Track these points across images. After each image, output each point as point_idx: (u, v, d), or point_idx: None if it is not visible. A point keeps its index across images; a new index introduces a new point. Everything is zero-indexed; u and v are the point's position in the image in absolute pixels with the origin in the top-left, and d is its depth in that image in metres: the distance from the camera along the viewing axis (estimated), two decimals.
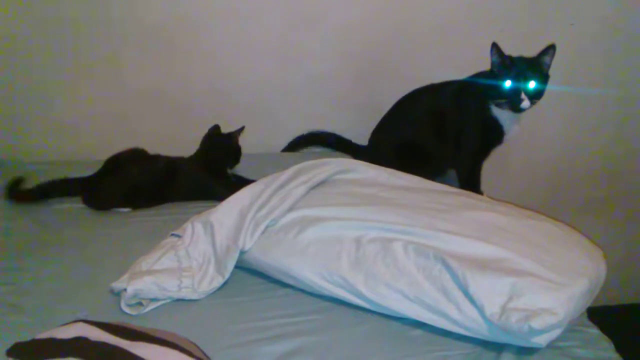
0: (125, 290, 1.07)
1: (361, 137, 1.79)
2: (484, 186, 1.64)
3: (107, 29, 1.70)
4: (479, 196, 1.37)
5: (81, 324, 0.91)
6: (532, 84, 1.34)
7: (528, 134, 1.85)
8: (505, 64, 1.37)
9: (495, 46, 1.37)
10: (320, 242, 1.13)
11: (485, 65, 1.45)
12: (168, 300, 1.11)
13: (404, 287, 1.03)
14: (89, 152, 1.73)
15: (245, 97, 1.83)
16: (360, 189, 1.28)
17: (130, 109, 1.80)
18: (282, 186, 1.26)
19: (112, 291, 1.10)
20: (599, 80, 1.96)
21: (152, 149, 1.60)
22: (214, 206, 1.26)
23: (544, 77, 1.37)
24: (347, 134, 1.85)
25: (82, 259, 1.25)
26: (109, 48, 1.72)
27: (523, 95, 1.35)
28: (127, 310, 1.07)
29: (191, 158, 1.59)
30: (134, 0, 1.67)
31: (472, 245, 1.05)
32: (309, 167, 1.33)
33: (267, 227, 1.18)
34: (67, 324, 0.92)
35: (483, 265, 1.00)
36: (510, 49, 1.41)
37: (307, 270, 1.11)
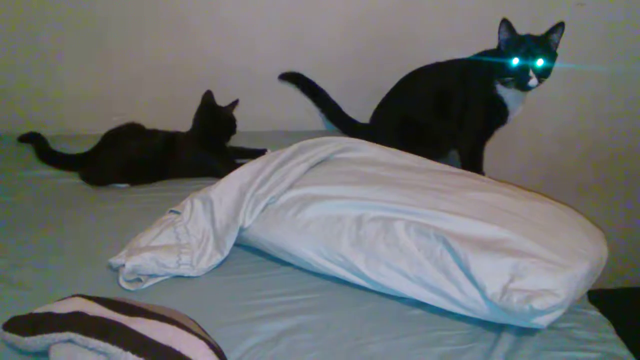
0: (123, 266, 1.06)
1: (364, 117, 1.78)
2: (485, 167, 1.64)
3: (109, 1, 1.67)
4: (481, 177, 1.36)
5: (79, 299, 0.91)
6: (540, 62, 1.33)
7: (529, 115, 1.84)
8: (513, 41, 1.34)
9: (505, 22, 1.34)
10: (320, 220, 1.11)
11: (492, 45, 1.43)
12: (166, 277, 1.11)
13: (404, 267, 1.02)
14: (86, 127, 1.71)
15: (252, 73, 1.81)
16: (361, 167, 1.26)
17: (136, 83, 1.78)
18: (282, 164, 1.24)
19: (110, 267, 1.10)
20: (605, 61, 1.94)
21: (155, 125, 1.58)
22: (213, 183, 1.25)
23: (552, 55, 1.36)
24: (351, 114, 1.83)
25: (80, 235, 1.25)
26: (111, 22, 1.70)
27: (531, 73, 1.33)
28: (125, 286, 1.06)
29: (189, 133, 1.57)
30: None
31: (474, 226, 1.04)
32: (310, 145, 1.31)
33: (267, 204, 1.17)
34: (64, 298, 0.92)
35: (485, 245, 0.99)
36: (518, 28, 1.38)
37: (307, 248, 1.10)
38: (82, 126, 1.73)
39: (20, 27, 1.68)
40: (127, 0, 1.67)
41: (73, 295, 0.92)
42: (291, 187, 1.20)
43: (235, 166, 1.28)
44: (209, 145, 1.53)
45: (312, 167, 1.26)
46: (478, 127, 1.54)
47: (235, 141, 1.62)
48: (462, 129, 1.55)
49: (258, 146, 1.59)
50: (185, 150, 1.52)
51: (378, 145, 1.36)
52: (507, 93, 1.44)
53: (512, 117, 1.50)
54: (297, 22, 1.78)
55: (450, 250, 1.00)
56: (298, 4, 1.76)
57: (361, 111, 1.79)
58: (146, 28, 1.73)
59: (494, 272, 0.95)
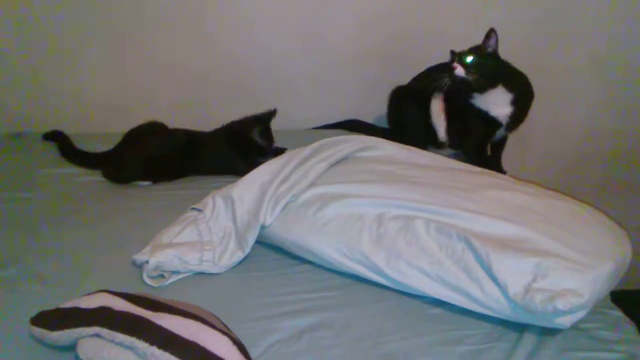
0: (147, 262, 1.08)
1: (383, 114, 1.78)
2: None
3: (133, 3, 1.69)
4: (501, 175, 1.35)
5: (104, 294, 0.92)
6: (469, 58, 1.51)
7: (551, 115, 1.83)
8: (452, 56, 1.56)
9: (451, 52, 1.56)
10: (341, 218, 1.12)
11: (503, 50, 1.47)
12: (189, 274, 1.12)
13: (425, 266, 1.02)
14: (109, 125, 1.74)
15: (270, 74, 1.82)
16: (381, 166, 1.27)
17: (155, 83, 1.80)
18: (303, 162, 1.25)
19: (134, 263, 1.11)
20: (628, 57, 1.91)
21: (175, 124, 1.60)
22: (234, 181, 1.26)
23: (482, 54, 1.51)
24: (371, 115, 1.83)
25: (104, 231, 1.27)
26: (133, 22, 1.73)
27: (457, 65, 1.51)
28: (148, 282, 1.08)
29: (213, 132, 1.58)
30: None
31: (496, 225, 1.04)
32: (330, 143, 1.31)
33: (287, 203, 1.18)
34: (90, 294, 0.93)
35: (506, 244, 0.99)
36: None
37: (327, 246, 1.10)
38: (105, 124, 1.76)
39: (45, 27, 1.72)
40: (147, 2, 1.70)
41: (98, 291, 0.94)
42: (311, 185, 1.20)
43: (256, 165, 1.28)
44: (235, 145, 1.54)
45: (332, 165, 1.26)
46: (472, 135, 1.62)
47: None
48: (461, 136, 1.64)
49: (278, 145, 1.60)
50: (207, 149, 1.53)
51: (397, 144, 1.36)
52: (479, 100, 1.54)
53: (502, 119, 1.56)
54: (314, 20, 1.79)
55: (472, 249, 1.00)
56: (315, 1, 1.76)
57: (380, 109, 1.79)
58: (166, 29, 1.76)
59: (516, 272, 0.94)
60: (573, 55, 1.90)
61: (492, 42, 1.51)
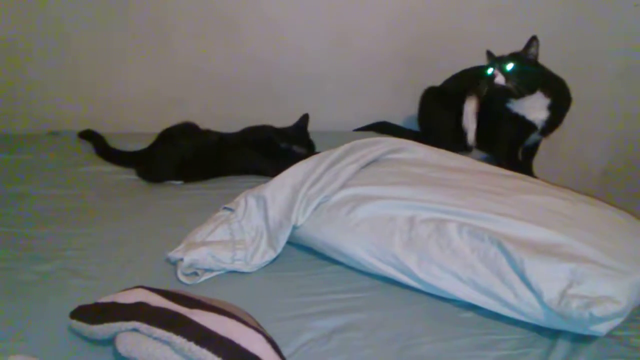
0: (181, 259, 1.10)
1: (412, 115, 1.78)
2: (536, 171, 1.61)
3: (160, 6, 1.73)
4: (534, 179, 1.34)
5: (141, 290, 0.94)
6: (509, 66, 1.50)
7: (583, 120, 1.80)
8: (492, 60, 1.55)
9: (487, 53, 1.56)
10: (372, 220, 1.12)
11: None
12: (221, 272, 1.14)
13: (457, 269, 1.02)
14: (141, 125, 1.78)
15: (298, 76, 1.83)
16: (412, 168, 1.27)
17: (182, 85, 1.84)
18: (333, 163, 1.26)
19: (168, 260, 1.14)
20: None
21: (203, 125, 1.62)
22: (266, 181, 1.27)
23: (524, 62, 1.50)
24: (399, 117, 1.83)
25: (139, 228, 1.29)
26: (161, 25, 1.76)
27: (497, 72, 1.50)
28: (183, 279, 1.10)
29: (243, 134, 1.60)
30: None
31: (529, 229, 1.03)
32: (360, 145, 1.32)
33: (319, 203, 1.19)
34: (127, 289, 0.96)
35: (540, 249, 0.98)
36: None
37: (358, 247, 1.11)
38: (138, 126, 1.79)
39: (81, 29, 1.76)
40: (179, 6, 1.72)
41: (135, 287, 0.96)
42: (343, 186, 1.21)
43: (286, 167, 1.29)
44: (266, 150, 1.56)
45: (363, 167, 1.27)
46: (504, 139, 1.62)
47: None
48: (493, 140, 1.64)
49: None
50: (240, 150, 1.55)
51: (428, 147, 1.36)
52: (516, 104, 1.54)
53: (537, 123, 1.55)
54: (342, 22, 1.79)
55: (505, 253, 0.99)
56: (341, 4, 1.77)
57: (407, 111, 1.79)
58: (196, 32, 1.78)
59: (551, 277, 0.93)
60: (606, 59, 1.87)
61: (533, 50, 1.50)
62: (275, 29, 1.80)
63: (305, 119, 1.59)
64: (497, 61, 1.51)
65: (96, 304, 0.94)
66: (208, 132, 1.60)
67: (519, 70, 1.49)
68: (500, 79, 1.49)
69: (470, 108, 1.63)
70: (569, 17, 1.80)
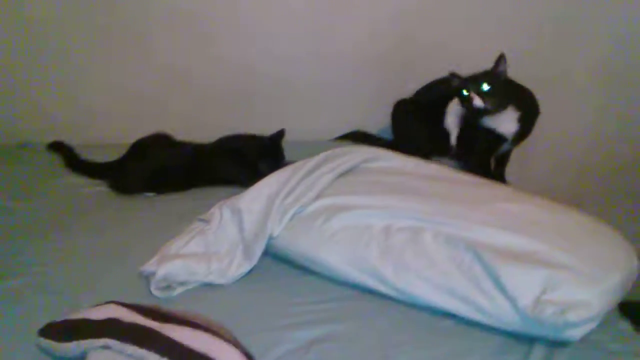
0: (154, 273, 1.07)
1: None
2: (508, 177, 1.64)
3: (135, 11, 1.70)
4: (507, 188, 1.36)
5: (113, 305, 0.92)
6: (485, 86, 1.49)
7: (555, 125, 1.83)
8: (463, 81, 1.53)
9: (452, 76, 1.55)
10: (348, 230, 1.12)
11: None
12: (196, 285, 1.12)
13: (434, 277, 1.02)
14: (114, 135, 1.74)
15: (274, 84, 1.82)
16: (387, 177, 1.27)
17: (157, 92, 1.81)
18: (309, 173, 1.25)
19: (141, 274, 1.11)
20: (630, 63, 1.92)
21: (179, 133, 1.60)
22: (240, 192, 1.26)
23: (499, 81, 1.50)
24: (375, 126, 1.84)
25: (110, 242, 1.26)
26: (137, 31, 1.73)
27: (473, 95, 1.49)
28: (156, 293, 1.07)
29: (217, 144, 1.58)
30: None
31: (504, 237, 1.04)
32: (336, 154, 1.32)
33: (295, 214, 1.18)
34: (98, 305, 0.93)
35: (515, 256, 0.99)
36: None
37: (335, 257, 1.10)
38: (110, 135, 1.76)
39: (50, 38, 1.72)
40: (152, 12, 1.70)
41: (107, 302, 0.93)
42: (318, 196, 1.20)
43: (261, 177, 1.28)
44: (240, 160, 1.54)
45: (338, 176, 1.27)
46: (477, 150, 1.64)
47: None
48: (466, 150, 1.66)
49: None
50: (214, 161, 1.53)
51: (403, 156, 1.37)
52: (487, 119, 1.55)
53: (508, 135, 1.57)
54: (317, 32, 1.79)
55: (480, 260, 1.00)
56: (317, 13, 1.77)
57: (384, 121, 1.80)
58: (170, 38, 1.76)
59: (525, 284, 0.94)
60: (575, 63, 1.92)
61: (502, 67, 1.51)
62: (252, 37, 1.79)
63: (280, 133, 1.58)
64: (470, 82, 1.51)
65: (65, 321, 0.91)
66: (181, 143, 1.58)
67: (494, 90, 1.50)
68: (478, 102, 1.49)
69: (452, 111, 1.64)
70: (543, 24, 1.85)
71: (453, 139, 1.66)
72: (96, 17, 1.70)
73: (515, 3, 1.81)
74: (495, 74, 1.50)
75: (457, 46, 1.80)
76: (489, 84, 1.49)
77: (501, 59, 1.50)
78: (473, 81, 1.50)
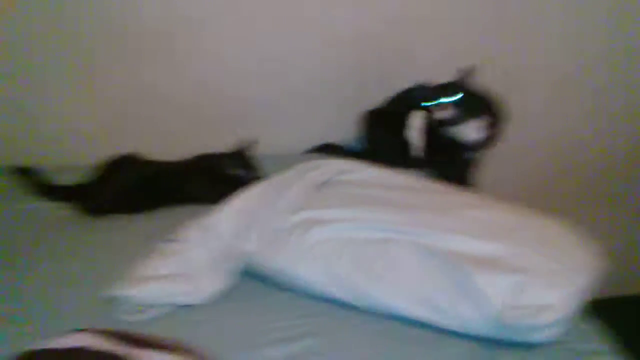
0: (124, 296, 1.05)
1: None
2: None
3: (108, 30, 1.68)
4: (474, 194, 1.38)
5: (81, 333, 0.89)
6: (454, 97, 1.51)
7: (526, 130, 1.87)
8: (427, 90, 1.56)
9: (420, 87, 1.58)
10: (322, 244, 1.12)
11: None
12: (168, 306, 1.09)
13: (406, 287, 1.03)
14: (85, 156, 1.70)
15: (238, 100, 1.82)
16: (360, 189, 1.28)
17: (132, 112, 1.78)
18: (282, 188, 1.25)
19: (110, 297, 1.09)
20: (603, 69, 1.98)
21: (154, 152, 1.58)
22: (210, 209, 1.24)
23: (467, 91, 1.53)
24: (344, 138, 1.86)
25: (79, 266, 1.23)
26: (110, 50, 1.70)
27: (442, 105, 1.51)
28: (126, 317, 1.05)
29: (186, 162, 1.57)
30: (134, 1, 1.65)
31: (474, 244, 1.06)
32: (309, 168, 1.32)
33: (267, 229, 1.17)
34: (66, 333, 0.90)
35: (485, 262, 1.01)
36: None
37: (309, 272, 1.10)
38: (79, 158, 1.72)
39: (15, 58, 1.68)
40: (114, 29, 1.69)
41: (75, 330, 0.91)
42: (293, 211, 1.20)
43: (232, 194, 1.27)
44: (210, 176, 1.53)
45: (312, 190, 1.27)
46: (443, 158, 1.67)
47: None
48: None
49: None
50: (184, 179, 1.52)
51: (375, 167, 1.38)
52: (452, 130, 1.56)
53: (474, 143, 1.59)
54: (282, 45, 1.79)
55: (452, 268, 1.01)
56: (281, 27, 1.78)
57: (353, 132, 1.81)
58: (134, 58, 1.73)
59: (494, 289, 0.96)
60: (545, 69, 1.97)
61: (468, 78, 1.53)
62: (217, 53, 1.78)
63: (247, 145, 1.58)
64: (436, 93, 1.53)
65: (28, 353, 0.88)
66: (149, 162, 1.56)
67: (459, 100, 1.52)
68: (446, 112, 1.51)
69: (415, 121, 1.66)
70: (507, 35, 1.89)
71: (417, 149, 1.67)
72: (59, 34, 1.67)
73: (485, 9, 1.84)
74: (461, 85, 1.53)
75: (424, 55, 1.82)
76: (454, 94, 1.51)
77: (467, 69, 1.52)
78: (438, 92, 1.52)
